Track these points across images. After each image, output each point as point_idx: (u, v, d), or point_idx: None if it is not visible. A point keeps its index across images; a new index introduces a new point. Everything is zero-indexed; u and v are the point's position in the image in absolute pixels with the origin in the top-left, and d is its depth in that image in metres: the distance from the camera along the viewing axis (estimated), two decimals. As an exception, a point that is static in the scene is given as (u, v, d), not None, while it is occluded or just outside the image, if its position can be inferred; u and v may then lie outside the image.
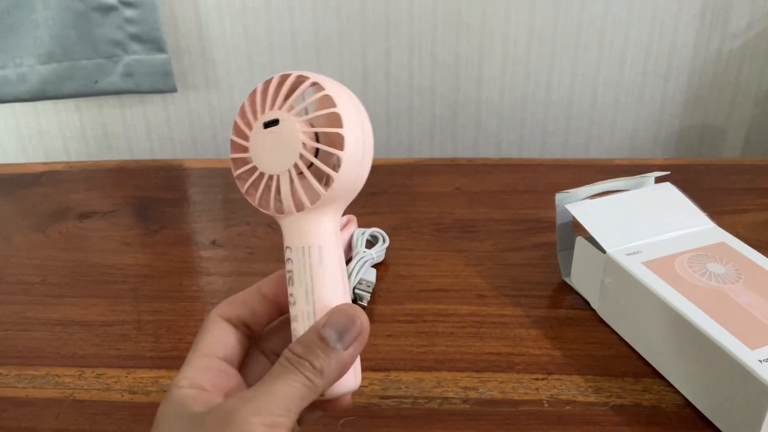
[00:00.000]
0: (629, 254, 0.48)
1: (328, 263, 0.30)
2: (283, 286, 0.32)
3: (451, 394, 0.45)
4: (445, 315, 0.52)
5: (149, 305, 0.55)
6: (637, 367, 0.47)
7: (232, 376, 0.31)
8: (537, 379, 0.46)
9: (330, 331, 0.29)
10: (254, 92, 0.31)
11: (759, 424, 0.39)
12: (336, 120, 0.29)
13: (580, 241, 0.52)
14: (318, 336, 0.29)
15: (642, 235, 0.50)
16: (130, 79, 0.81)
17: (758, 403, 0.38)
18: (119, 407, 0.45)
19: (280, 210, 0.30)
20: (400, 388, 0.46)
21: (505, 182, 0.72)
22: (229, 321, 0.32)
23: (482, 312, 0.53)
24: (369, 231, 0.60)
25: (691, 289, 0.45)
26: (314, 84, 0.29)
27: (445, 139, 0.88)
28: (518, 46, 0.82)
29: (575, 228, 0.54)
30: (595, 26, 0.80)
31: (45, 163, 0.80)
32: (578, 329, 0.51)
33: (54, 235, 0.65)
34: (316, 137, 0.29)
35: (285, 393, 0.27)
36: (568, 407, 0.44)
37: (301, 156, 0.29)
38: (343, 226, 0.58)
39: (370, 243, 0.59)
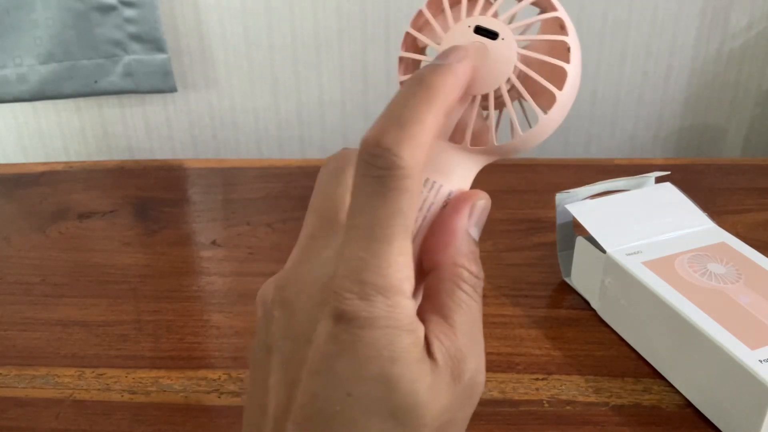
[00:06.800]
0: (629, 254, 0.48)
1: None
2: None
3: (451, 394, 0.45)
4: (445, 315, 0.52)
5: (149, 305, 0.55)
6: (637, 367, 0.47)
7: None
8: (537, 379, 0.46)
9: (477, 231, 0.26)
10: None
11: (759, 424, 0.39)
12: (562, 51, 0.24)
13: (580, 241, 0.52)
14: (475, 244, 0.26)
15: (642, 235, 0.50)
16: (130, 79, 0.81)
17: (758, 403, 0.38)
18: (119, 407, 0.45)
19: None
20: (400, 388, 0.45)
21: (505, 182, 0.72)
22: None
23: (482, 312, 0.52)
24: (369, 231, 0.59)
25: (691, 289, 0.45)
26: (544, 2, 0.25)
27: (445, 139, 0.88)
28: (518, 46, 0.82)
29: (575, 228, 0.54)
30: (595, 26, 0.80)
31: (45, 163, 0.80)
32: (578, 329, 0.51)
33: (54, 235, 0.65)
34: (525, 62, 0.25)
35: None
36: (568, 407, 0.44)
37: (509, 82, 0.25)
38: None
39: (370, 243, 0.59)
